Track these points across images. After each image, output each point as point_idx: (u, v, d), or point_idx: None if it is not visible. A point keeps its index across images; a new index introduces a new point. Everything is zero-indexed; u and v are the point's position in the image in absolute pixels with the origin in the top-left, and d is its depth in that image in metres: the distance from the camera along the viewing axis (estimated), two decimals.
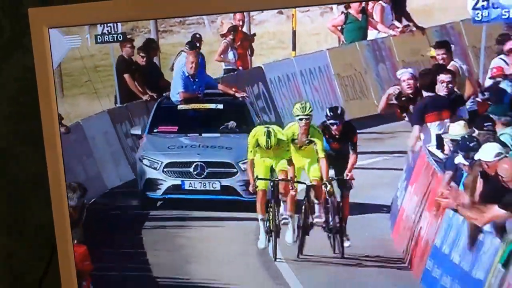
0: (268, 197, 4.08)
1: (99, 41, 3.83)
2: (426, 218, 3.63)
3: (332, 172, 4.05)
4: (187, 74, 4.19)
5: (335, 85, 4.06)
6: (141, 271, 3.97)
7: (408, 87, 3.66)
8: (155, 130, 4.23)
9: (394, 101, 3.76)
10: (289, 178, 4.03)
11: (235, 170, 4.13)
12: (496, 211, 3.33)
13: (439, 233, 3.56)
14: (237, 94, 4.21)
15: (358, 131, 3.92)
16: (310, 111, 3.90)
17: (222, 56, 4.22)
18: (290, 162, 4.04)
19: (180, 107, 4.23)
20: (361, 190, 3.88)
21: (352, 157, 3.96)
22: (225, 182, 4.12)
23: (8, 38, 4.29)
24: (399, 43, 3.90)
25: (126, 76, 4.16)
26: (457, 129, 3.46)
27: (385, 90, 3.73)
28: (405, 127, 3.66)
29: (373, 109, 3.80)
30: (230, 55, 4.23)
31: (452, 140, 3.47)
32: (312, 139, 4.00)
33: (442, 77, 3.41)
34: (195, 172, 4.10)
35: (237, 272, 3.89)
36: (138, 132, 4.21)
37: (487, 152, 3.37)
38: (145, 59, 4.17)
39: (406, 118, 3.68)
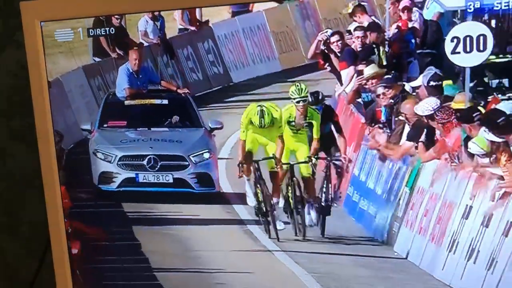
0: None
1: (91, 34, 3.74)
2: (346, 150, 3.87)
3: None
4: (131, 71, 4.11)
5: (271, 40, 4.16)
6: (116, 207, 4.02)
7: (335, 45, 3.73)
8: (105, 125, 4.14)
9: (323, 47, 3.75)
10: (277, 156, 3.90)
11: (186, 163, 4.07)
12: (406, 144, 3.68)
13: (357, 164, 3.87)
14: (179, 91, 4.14)
15: (290, 79, 3.93)
16: (306, 93, 3.79)
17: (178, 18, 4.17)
18: (281, 139, 3.91)
19: (127, 102, 4.13)
20: None
21: (341, 139, 3.86)
22: (177, 175, 4.03)
23: (0, 33, 4.18)
24: (322, 2, 3.87)
25: (102, 39, 3.97)
26: (370, 69, 3.63)
27: (311, 43, 3.81)
28: (328, 75, 3.80)
29: (302, 60, 3.91)
30: (185, 17, 4.21)
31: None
32: (311, 121, 3.87)
33: (356, 33, 3.64)
34: (148, 165, 4.02)
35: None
36: (88, 127, 4.09)
37: None
38: (119, 21, 4.01)
39: (328, 68, 3.79)
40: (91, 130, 4.08)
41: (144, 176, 4.01)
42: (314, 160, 3.82)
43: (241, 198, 4.00)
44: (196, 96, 4.11)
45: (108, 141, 4.07)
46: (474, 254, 3.30)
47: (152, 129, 4.09)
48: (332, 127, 3.83)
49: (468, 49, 3.04)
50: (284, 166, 3.90)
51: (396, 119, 3.61)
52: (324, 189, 3.89)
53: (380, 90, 3.55)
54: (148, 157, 4.02)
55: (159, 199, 3.98)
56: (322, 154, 3.86)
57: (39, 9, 3.44)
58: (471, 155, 3.35)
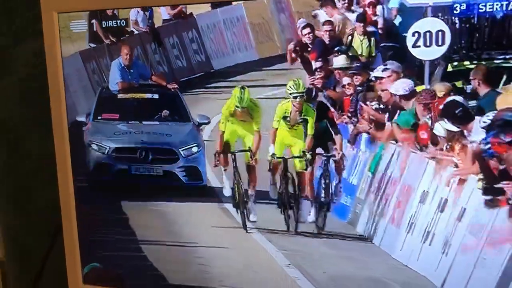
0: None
1: (103, 26, 3.86)
2: None
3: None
4: (123, 65, 4.16)
5: (249, 31, 4.30)
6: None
7: (306, 37, 3.79)
8: (99, 118, 4.20)
9: (294, 55, 3.81)
10: (254, 150, 3.92)
11: (176, 156, 4.11)
12: (388, 127, 3.66)
13: None
14: (168, 86, 4.16)
15: (266, 68, 4.08)
16: (304, 89, 3.79)
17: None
18: (258, 134, 3.93)
19: (119, 96, 4.19)
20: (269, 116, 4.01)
21: (337, 136, 3.84)
22: (167, 168, 4.09)
23: (20, 23, 4.25)
24: None
25: (94, 21, 4.05)
26: (340, 60, 3.73)
27: (285, 34, 4.02)
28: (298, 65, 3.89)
29: (276, 50, 4.06)
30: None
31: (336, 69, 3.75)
32: (305, 117, 3.86)
33: (324, 27, 3.73)
34: (140, 158, 4.07)
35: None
36: (83, 119, 4.16)
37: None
38: (112, 10, 4.04)
39: (299, 60, 3.83)
40: (86, 122, 4.14)
41: (137, 168, 4.06)
42: (308, 155, 3.81)
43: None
44: (180, 81, 4.19)
45: (102, 133, 4.11)
46: (430, 237, 3.43)
47: (143, 122, 4.13)
48: (328, 124, 3.81)
49: (428, 43, 3.16)
50: (278, 161, 3.91)
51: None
52: (323, 185, 3.88)
53: (346, 80, 3.67)
54: (140, 149, 4.07)
55: (150, 191, 4.02)
56: (319, 150, 3.86)
57: (57, 1, 3.61)
58: (435, 143, 3.46)
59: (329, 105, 3.80)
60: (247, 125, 3.99)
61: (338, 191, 3.89)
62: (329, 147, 3.88)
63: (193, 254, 3.87)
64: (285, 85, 3.91)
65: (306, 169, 3.85)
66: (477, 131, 3.24)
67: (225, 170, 4.03)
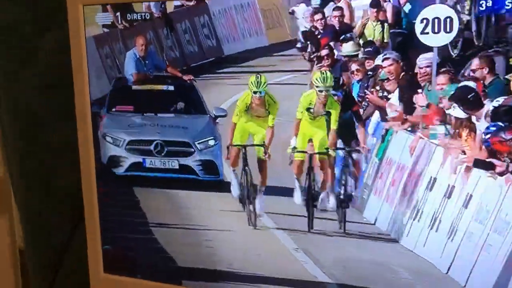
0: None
1: (128, 19, 3.86)
2: None
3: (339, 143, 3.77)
4: (138, 56, 4.09)
5: (260, 17, 4.29)
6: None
7: (318, 23, 3.82)
8: (113, 110, 4.12)
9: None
10: (267, 144, 3.82)
11: (192, 150, 4.03)
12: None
13: None
14: (184, 77, 4.08)
15: (276, 53, 4.04)
16: (332, 82, 3.67)
17: None
18: (271, 129, 3.83)
19: (134, 87, 4.12)
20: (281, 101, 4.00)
21: (360, 129, 3.73)
22: (183, 161, 4.00)
23: (44, 13, 4.16)
24: None
25: (108, 7, 4.01)
26: (348, 47, 3.74)
27: (294, 20, 3.97)
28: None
29: (286, 36, 4.07)
30: None
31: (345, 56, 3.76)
32: (329, 110, 3.74)
33: (334, 13, 3.76)
34: (155, 151, 3.97)
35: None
36: (97, 110, 4.06)
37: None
38: None
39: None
40: (101, 115, 4.08)
41: (151, 161, 3.98)
42: (332, 152, 3.71)
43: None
44: (191, 67, 4.20)
45: (117, 126, 4.04)
46: (436, 223, 3.45)
47: (158, 114, 4.05)
48: (353, 117, 3.70)
49: (436, 30, 3.16)
50: (302, 155, 3.77)
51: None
52: (343, 182, 3.81)
53: (354, 67, 3.66)
54: (155, 142, 3.97)
55: (164, 185, 3.98)
56: (340, 144, 3.77)
57: None
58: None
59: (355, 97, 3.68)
60: (261, 122, 3.90)
61: (359, 187, 3.79)
62: (351, 142, 3.76)
63: (203, 237, 3.89)
64: (295, 70, 3.95)
65: (330, 165, 3.72)
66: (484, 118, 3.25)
67: (234, 170, 3.96)
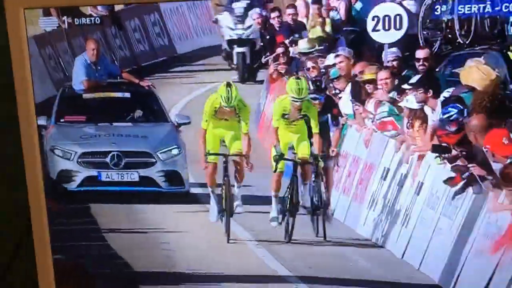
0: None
1: (76, 23, 3.70)
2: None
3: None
4: (89, 62, 3.98)
5: (212, 14, 4.33)
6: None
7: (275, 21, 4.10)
8: (62, 120, 4.00)
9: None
10: (244, 153, 3.83)
11: (153, 160, 3.97)
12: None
13: None
14: (141, 83, 4.02)
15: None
16: (307, 92, 3.75)
17: None
18: (247, 136, 3.86)
19: (85, 96, 3.99)
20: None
21: (336, 133, 3.86)
22: (144, 172, 3.93)
23: None
24: None
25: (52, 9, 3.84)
26: (303, 44, 4.01)
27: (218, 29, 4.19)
28: None
29: None
30: None
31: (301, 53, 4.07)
32: (305, 114, 3.82)
33: (288, 11, 4.00)
34: (112, 163, 3.90)
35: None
36: (44, 122, 3.82)
37: None
38: None
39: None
40: (47, 126, 3.93)
41: (107, 174, 3.91)
42: (321, 162, 3.79)
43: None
44: (142, 66, 4.24)
45: (67, 137, 3.95)
46: (390, 211, 3.87)
47: (114, 124, 3.99)
48: (329, 119, 3.85)
49: (386, 27, 3.54)
50: (281, 167, 3.80)
51: None
52: (316, 189, 3.90)
53: (309, 64, 4.02)
54: (111, 153, 3.91)
55: (124, 199, 3.93)
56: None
57: None
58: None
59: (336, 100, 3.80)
60: (230, 124, 3.93)
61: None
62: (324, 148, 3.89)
63: (159, 240, 3.99)
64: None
65: (318, 176, 3.80)
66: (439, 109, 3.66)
67: (212, 191, 3.95)
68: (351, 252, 3.90)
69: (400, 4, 3.55)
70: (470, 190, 3.63)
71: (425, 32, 3.70)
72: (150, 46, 4.41)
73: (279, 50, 4.01)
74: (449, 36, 3.75)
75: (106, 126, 3.99)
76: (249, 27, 4.02)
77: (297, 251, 3.96)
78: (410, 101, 3.77)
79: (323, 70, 4.02)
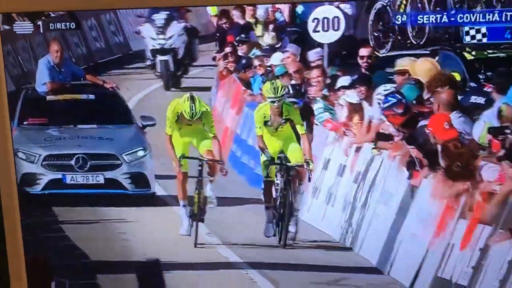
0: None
1: (51, 28, 3.71)
2: (229, 113, 4.59)
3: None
4: (52, 63, 4.00)
5: None
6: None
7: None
8: (25, 123, 4.02)
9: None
10: (216, 157, 3.87)
11: (119, 162, 4.00)
12: None
13: (239, 124, 4.56)
14: (106, 85, 4.06)
15: None
16: (283, 92, 3.79)
17: None
18: (216, 139, 3.87)
19: (49, 98, 4.00)
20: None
21: (309, 136, 3.88)
22: (109, 175, 3.96)
23: None
24: None
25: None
26: (268, 38, 4.31)
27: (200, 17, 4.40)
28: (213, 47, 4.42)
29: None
30: None
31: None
32: (288, 117, 3.84)
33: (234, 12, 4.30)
34: (77, 165, 3.93)
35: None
36: None
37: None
38: None
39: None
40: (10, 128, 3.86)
41: (72, 177, 3.91)
42: (311, 165, 3.82)
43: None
44: (98, 63, 4.37)
45: (30, 140, 3.94)
46: (332, 198, 4.19)
47: (78, 126, 4.00)
48: (305, 126, 3.88)
49: (325, 28, 3.83)
50: (272, 175, 3.85)
51: None
52: (285, 193, 3.95)
53: (256, 62, 4.31)
54: (76, 156, 3.92)
55: (89, 202, 3.95)
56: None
57: None
58: None
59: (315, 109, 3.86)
60: (195, 127, 3.94)
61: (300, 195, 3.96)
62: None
63: (117, 231, 4.08)
64: (202, 65, 4.43)
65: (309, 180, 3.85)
66: (374, 105, 3.97)
67: (184, 205, 3.97)
68: (298, 238, 4.15)
69: (338, 7, 3.85)
70: (404, 178, 3.97)
71: (376, 34, 4.01)
72: (106, 44, 4.55)
73: (228, 49, 4.29)
74: (400, 37, 4.03)
75: (70, 128, 4.03)
76: (171, 37, 4.16)
77: (247, 237, 4.09)
78: (351, 95, 4.12)
79: (269, 68, 4.30)
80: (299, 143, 3.86)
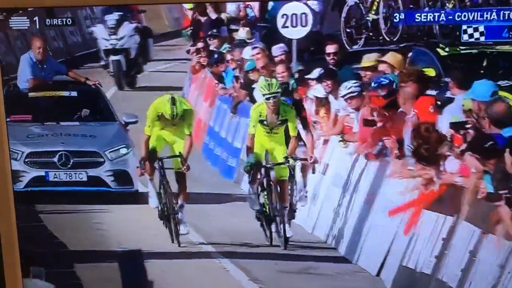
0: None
1: (47, 24, 3.74)
2: (203, 106, 4.72)
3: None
4: (35, 60, 4.00)
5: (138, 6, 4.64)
6: None
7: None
8: (7, 120, 3.89)
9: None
10: (184, 154, 3.84)
11: (102, 160, 4.01)
12: None
13: (212, 116, 4.69)
14: (88, 82, 4.08)
15: (157, 44, 4.42)
16: (278, 88, 3.77)
17: None
18: (189, 138, 3.84)
19: (31, 94, 4.01)
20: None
21: (308, 136, 3.85)
22: (92, 172, 3.97)
23: None
24: None
25: None
26: (243, 33, 4.42)
27: (172, 13, 4.54)
28: (184, 42, 4.60)
29: (165, 28, 4.63)
30: None
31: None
32: (284, 118, 3.81)
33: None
34: (59, 163, 3.93)
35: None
36: None
37: None
38: None
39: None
40: None
41: (55, 174, 3.92)
42: (291, 161, 3.78)
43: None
44: (75, 56, 4.43)
45: (13, 137, 3.86)
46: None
47: (61, 123, 4.01)
48: (299, 123, 3.89)
49: (294, 24, 3.96)
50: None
51: None
52: (289, 192, 3.96)
53: (228, 56, 4.45)
54: (59, 153, 3.92)
55: (72, 199, 3.98)
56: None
57: None
58: None
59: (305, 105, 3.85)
60: (178, 130, 3.96)
61: (304, 196, 3.98)
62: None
63: (92, 220, 4.16)
64: (176, 59, 4.59)
65: (290, 178, 3.83)
66: (340, 99, 4.11)
67: (151, 179, 3.99)
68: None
69: (306, 4, 3.98)
70: (371, 169, 4.14)
71: (348, 30, 4.14)
72: (83, 38, 4.59)
73: (200, 44, 4.42)
74: (372, 34, 4.15)
75: (53, 125, 4.04)
76: (122, 37, 4.22)
77: (221, 227, 4.20)
78: (318, 90, 4.24)
79: (239, 62, 4.45)
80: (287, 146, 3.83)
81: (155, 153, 4.00)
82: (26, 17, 3.74)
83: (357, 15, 4.10)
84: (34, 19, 3.75)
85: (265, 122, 3.82)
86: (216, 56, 4.42)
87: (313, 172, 3.94)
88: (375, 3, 4.05)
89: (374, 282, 3.98)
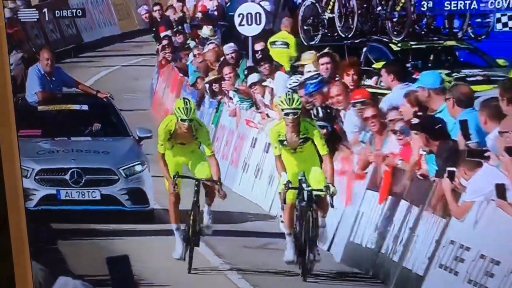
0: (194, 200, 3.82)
1: (57, 15, 3.87)
2: (169, 96, 5.14)
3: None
4: (43, 72, 3.94)
5: (112, 9, 5.20)
6: None
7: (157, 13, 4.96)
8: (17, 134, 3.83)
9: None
10: (216, 177, 3.72)
11: (116, 177, 3.86)
12: None
13: None
14: (99, 95, 3.99)
15: (127, 40, 4.94)
16: (299, 104, 3.58)
17: None
18: (214, 158, 3.72)
19: (40, 108, 3.92)
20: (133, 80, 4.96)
21: (328, 166, 3.62)
22: (105, 191, 3.82)
23: None
24: None
25: None
26: (206, 30, 4.86)
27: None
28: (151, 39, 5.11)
29: (135, 26, 5.22)
30: None
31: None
32: (306, 136, 3.61)
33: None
34: (71, 180, 3.80)
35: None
36: None
37: None
38: None
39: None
40: None
41: (67, 192, 3.77)
42: (332, 188, 3.56)
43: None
44: (55, 52, 4.64)
45: (23, 153, 3.70)
46: (259, 172, 4.81)
47: (72, 138, 3.89)
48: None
49: (249, 23, 4.40)
50: (292, 195, 3.63)
51: None
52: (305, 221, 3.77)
53: (195, 51, 4.87)
54: (71, 170, 3.78)
55: (84, 219, 3.82)
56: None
57: None
58: None
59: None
60: (189, 148, 3.80)
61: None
62: None
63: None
64: (145, 54, 5.06)
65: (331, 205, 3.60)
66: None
67: (177, 229, 3.81)
68: (230, 208, 4.63)
69: (259, 4, 4.49)
70: None
71: (306, 27, 4.51)
72: (62, 35, 5.03)
73: (164, 42, 4.88)
74: (328, 31, 4.54)
75: (64, 140, 3.96)
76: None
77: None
78: (252, 77, 4.39)
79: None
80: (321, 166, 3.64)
81: (179, 182, 3.81)
82: (35, 9, 3.83)
83: (314, 14, 4.51)
84: (44, 10, 3.72)
85: (285, 142, 3.67)
86: (179, 52, 4.83)
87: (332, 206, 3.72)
88: (331, 2, 4.52)
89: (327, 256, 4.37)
